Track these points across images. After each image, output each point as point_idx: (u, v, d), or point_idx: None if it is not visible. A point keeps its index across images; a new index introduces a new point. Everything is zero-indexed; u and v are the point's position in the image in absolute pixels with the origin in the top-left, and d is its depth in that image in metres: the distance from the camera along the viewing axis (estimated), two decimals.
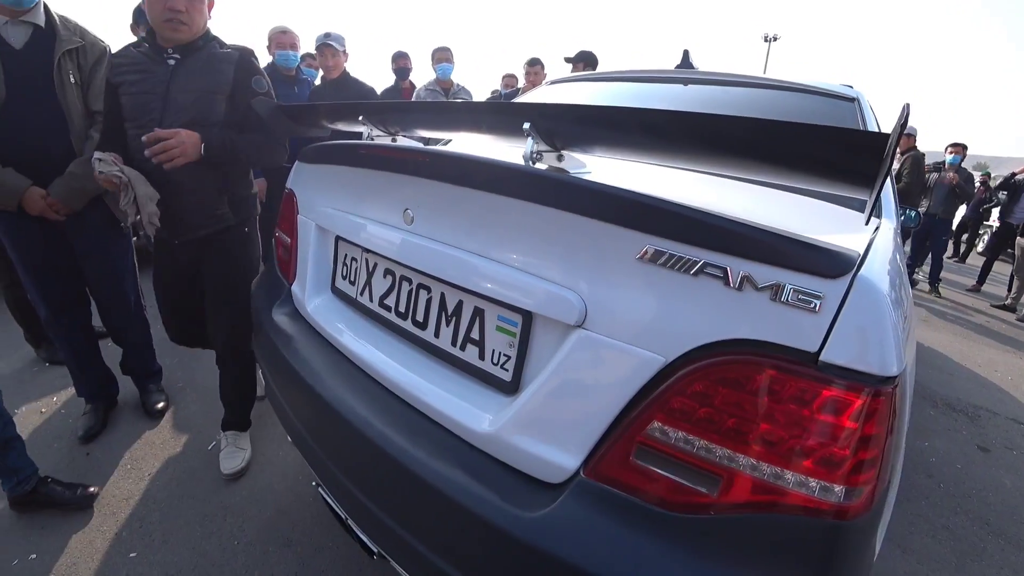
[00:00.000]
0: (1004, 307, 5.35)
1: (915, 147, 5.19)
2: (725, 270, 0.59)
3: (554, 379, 0.72)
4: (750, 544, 0.61)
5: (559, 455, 0.71)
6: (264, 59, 3.37)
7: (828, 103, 1.46)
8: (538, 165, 0.79)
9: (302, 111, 1.41)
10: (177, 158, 1.42)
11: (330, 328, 1.13)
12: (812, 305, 0.56)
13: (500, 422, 0.76)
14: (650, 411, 0.64)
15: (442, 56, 3.70)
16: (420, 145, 1.11)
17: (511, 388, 0.79)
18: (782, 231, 0.59)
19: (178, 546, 1.47)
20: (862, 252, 0.63)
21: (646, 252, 0.64)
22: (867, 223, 0.51)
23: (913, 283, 6.05)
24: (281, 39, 3.14)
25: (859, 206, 1.12)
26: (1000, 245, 6.25)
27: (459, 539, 0.75)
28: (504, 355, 0.81)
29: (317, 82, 3.39)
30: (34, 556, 1.42)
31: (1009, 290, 5.50)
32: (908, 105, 0.51)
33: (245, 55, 1.61)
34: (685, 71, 1.79)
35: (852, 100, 1.47)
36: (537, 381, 0.74)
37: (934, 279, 5.77)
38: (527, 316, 0.78)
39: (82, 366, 1.94)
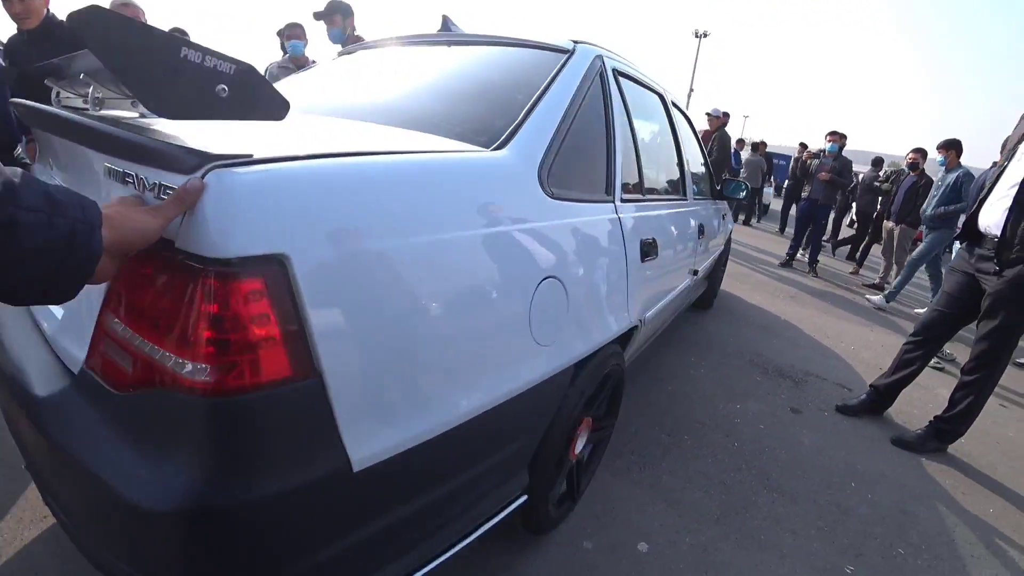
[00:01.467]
0: (874, 286, 5.72)
1: (723, 127, 5.87)
2: (134, 176, 0.68)
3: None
4: (158, 417, 0.68)
5: (76, 350, 0.81)
6: None
7: (541, 55, 1.52)
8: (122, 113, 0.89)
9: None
10: None
11: None
12: None
13: (54, 329, 0.87)
14: (107, 307, 0.73)
15: (292, 33, 3.63)
16: (42, 106, 1.03)
17: None
18: (160, 139, 0.66)
19: None
20: (270, 156, 0.66)
21: (104, 169, 0.74)
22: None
23: (790, 262, 6.36)
24: None
25: (487, 142, 1.12)
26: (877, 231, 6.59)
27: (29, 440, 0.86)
28: None
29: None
30: None
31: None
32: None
33: None
34: (447, 34, 1.98)
35: (565, 52, 1.49)
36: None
37: (812, 259, 6.12)
38: None
39: None
